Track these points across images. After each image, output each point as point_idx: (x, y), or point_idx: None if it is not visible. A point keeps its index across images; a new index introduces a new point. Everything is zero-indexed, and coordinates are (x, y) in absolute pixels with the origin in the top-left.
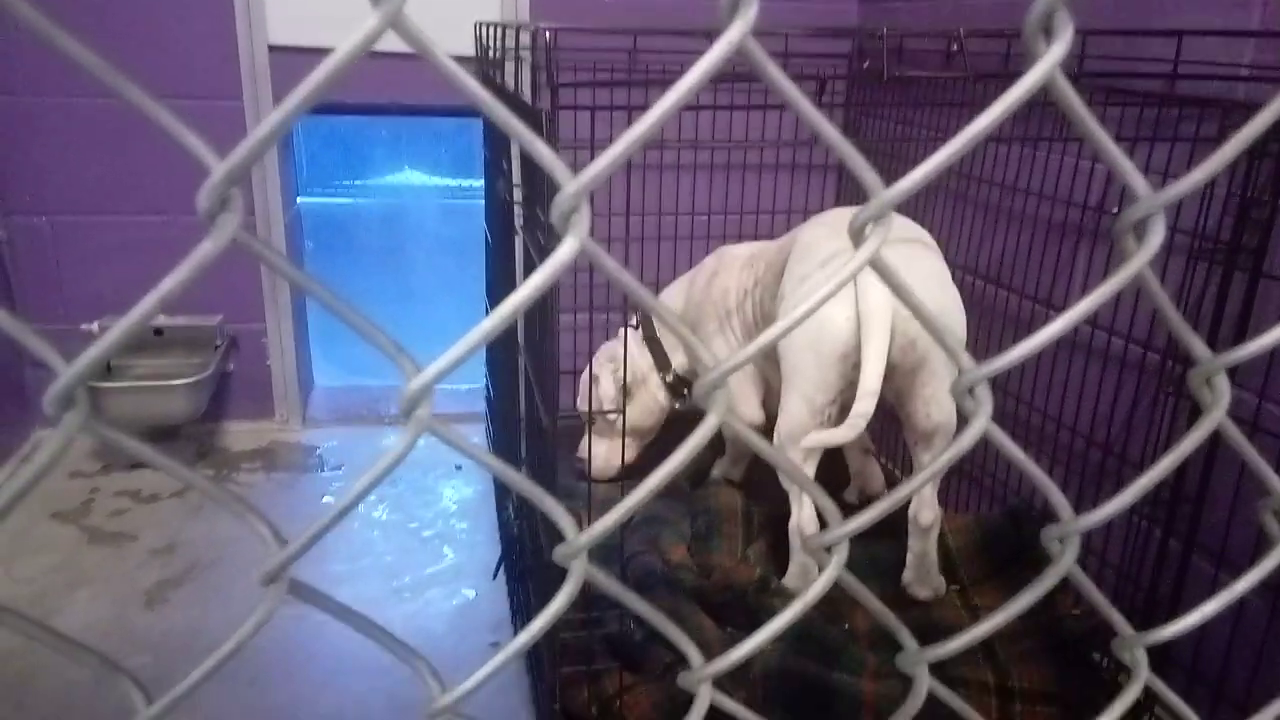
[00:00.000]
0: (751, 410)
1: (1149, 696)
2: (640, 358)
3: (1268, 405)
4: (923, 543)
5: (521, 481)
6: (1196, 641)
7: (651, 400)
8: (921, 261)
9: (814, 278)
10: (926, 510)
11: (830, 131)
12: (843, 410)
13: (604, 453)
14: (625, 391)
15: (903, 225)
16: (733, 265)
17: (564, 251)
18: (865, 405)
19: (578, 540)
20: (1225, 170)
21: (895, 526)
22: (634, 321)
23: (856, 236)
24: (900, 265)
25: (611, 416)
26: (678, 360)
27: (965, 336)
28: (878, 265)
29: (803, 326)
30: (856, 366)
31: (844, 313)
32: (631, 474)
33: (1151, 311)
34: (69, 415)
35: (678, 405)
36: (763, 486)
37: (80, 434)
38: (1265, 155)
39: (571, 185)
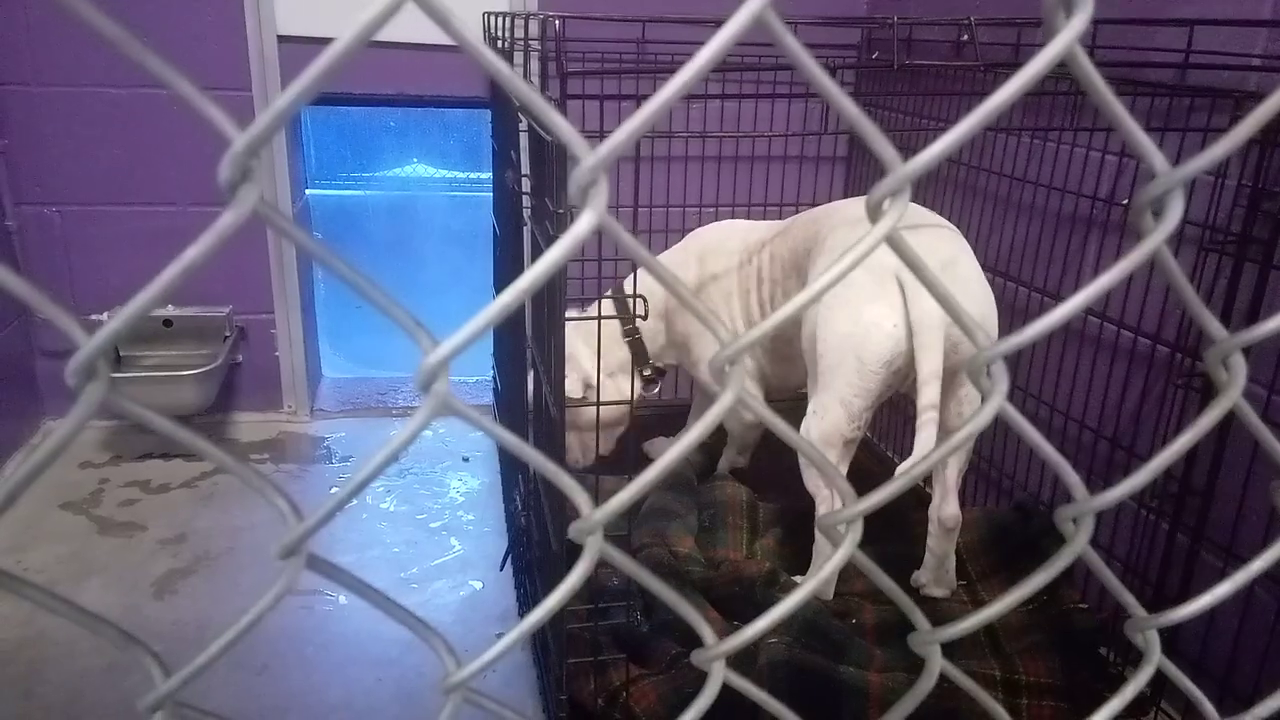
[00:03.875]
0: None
1: (1155, 690)
2: (615, 353)
3: (1277, 398)
4: (944, 544)
5: (536, 456)
6: (1204, 635)
7: (617, 394)
8: (958, 266)
9: (856, 282)
10: (949, 508)
11: (847, 104)
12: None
13: (576, 444)
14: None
15: (920, 212)
16: (730, 264)
17: (582, 225)
18: (928, 415)
19: (593, 516)
20: (1236, 161)
21: (906, 524)
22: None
23: (874, 212)
24: (939, 261)
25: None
26: (653, 350)
27: (995, 330)
28: (894, 242)
29: (846, 330)
30: (899, 373)
31: (891, 319)
32: (610, 465)
33: (1161, 304)
34: (91, 386)
35: (648, 393)
36: (770, 482)
37: (101, 411)
38: (1277, 146)
39: (590, 159)
